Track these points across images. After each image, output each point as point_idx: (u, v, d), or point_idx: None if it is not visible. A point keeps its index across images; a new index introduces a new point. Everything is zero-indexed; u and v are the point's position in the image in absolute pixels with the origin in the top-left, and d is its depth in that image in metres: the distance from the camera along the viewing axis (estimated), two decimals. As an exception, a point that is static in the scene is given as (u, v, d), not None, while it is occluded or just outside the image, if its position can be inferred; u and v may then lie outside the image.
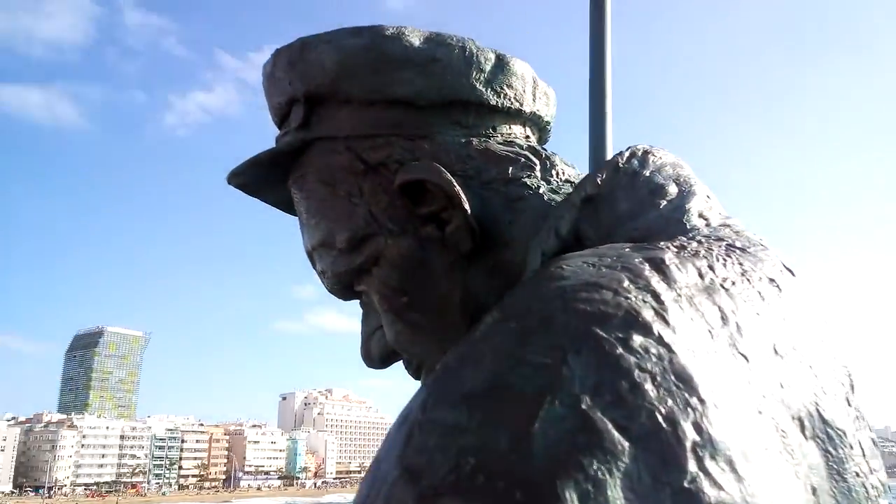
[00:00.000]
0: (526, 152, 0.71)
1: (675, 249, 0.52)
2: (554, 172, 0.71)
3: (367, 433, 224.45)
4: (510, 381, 0.39)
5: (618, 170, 0.66)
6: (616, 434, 0.37)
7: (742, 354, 0.45)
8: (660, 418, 0.38)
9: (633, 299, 0.44)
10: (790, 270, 0.58)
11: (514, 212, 0.68)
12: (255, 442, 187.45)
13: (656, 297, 0.45)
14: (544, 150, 0.73)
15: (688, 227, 0.61)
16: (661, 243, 0.53)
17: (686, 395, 0.40)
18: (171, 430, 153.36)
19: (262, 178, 0.75)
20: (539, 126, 0.79)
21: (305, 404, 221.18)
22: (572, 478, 0.35)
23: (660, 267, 0.48)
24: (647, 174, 0.66)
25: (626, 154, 0.68)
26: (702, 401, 0.40)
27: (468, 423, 0.38)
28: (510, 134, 0.73)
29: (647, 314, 0.43)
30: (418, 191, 0.68)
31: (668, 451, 0.37)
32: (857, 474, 0.47)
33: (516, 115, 0.74)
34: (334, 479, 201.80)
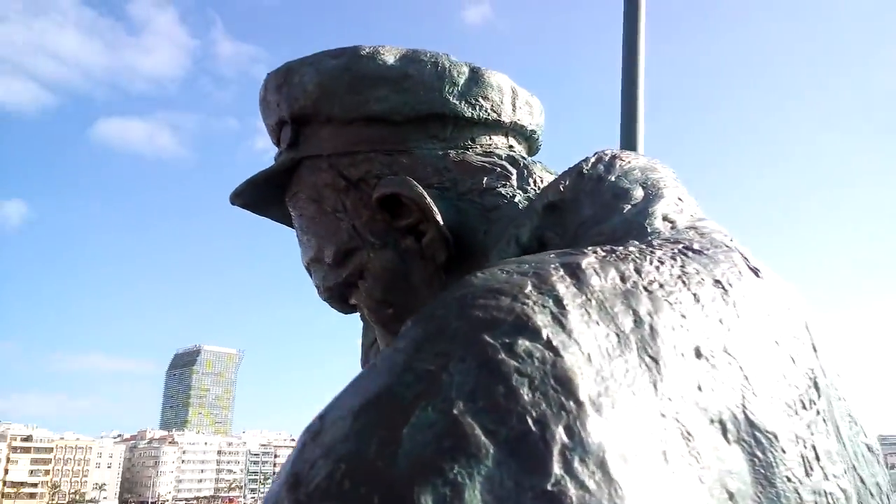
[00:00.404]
0: (503, 162, 0.72)
1: (602, 254, 0.51)
2: (531, 181, 0.72)
3: None
4: (395, 389, 0.40)
5: (582, 175, 0.67)
6: (483, 438, 0.36)
7: (651, 357, 0.43)
8: (530, 422, 0.37)
9: (529, 305, 0.44)
10: (754, 271, 0.57)
11: (489, 221, 0.70)
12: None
13: (558, 301, 0.44)
14: (524, 158, 0.74)
15: (649, 230, 0.60)
16: (588, 248, 0.52)
17: (563, 398, 0.38)
18: (264, 445, 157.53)
19: (261, 197, 0.79)
20: (524, 135, 0.79)
21: None
22: (430, 482, 0.35)
23: (574, 272, 0.48)
24: (613, 179, 0.66)
25: (592, 159, 0.69)
26: (580, 404, 0.39)
27: (350, 431, 0.38)
28: (490, 144, 0.74)
29: (541, 319, 0.42)
30: (396, 204, 0.70)
31: (535, 455, 0.36)
32: (789, 479, 0.45)
33: (496, 126, 0.75)
34: None
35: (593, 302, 0.45)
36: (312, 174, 0.75)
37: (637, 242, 0.55)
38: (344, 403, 0.41)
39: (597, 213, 0.63)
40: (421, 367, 0.41)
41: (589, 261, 0.49)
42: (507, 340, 0.41)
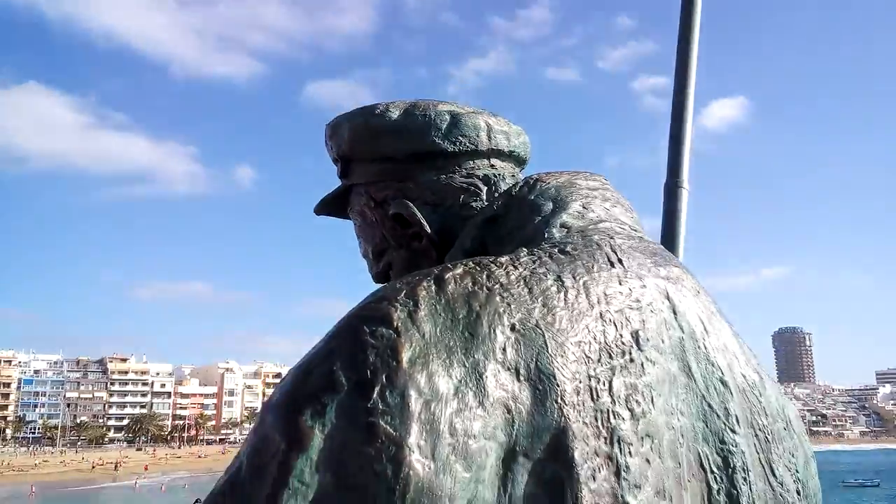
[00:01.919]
0: (478, 182, 0.99)
1: (469, 266, 0.72)
2: (496, 194, 0.98)
3: None
4: (311, 357, 0.64)
5: (511, 195, 0.92)
6: (343, 381, 0.59)
7: (470, 332, 0.64)
8: (368, 372, 0.59)
9: (395, 306, 0.64)
10: (612, 263, 0.78)
11: (463, 228, 0.95)
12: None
13: (416, 303, 0.65)
14: (494, 177, 0.99)
15: (546, 236, 0.83)
16: (463, 261, 0.74)
17: (390, 359, 0.60)
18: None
19: (333, 210, 1.10)
20: (503, 155, 1.02)
21: None
22: (313, 402, 0.59)
23: (439, 281, 0.68)
24: (532, 197, 0.90)
25: (521, 183, 0.94)
26: (399, 362, 0.60)
27: (289, 376, 0.64)
28: (472, 167, 0.99)
29: (398, 315, 0.63)
30: (403, 219, 0.98)
31: (366, 390, 0.58)
32: (564, 402, 0.64)
33: (475, 154, 0.99)
34: None
35: (443, 301, 0.66)
36: (357, 196, 1.05)
37: (525, 249, 0.77)
38: (300, 362, 0.65)
39: (517, 224, 0.87)
40: (326, 343, 0.64)
41: (454, 273, 0.70)
42: (372, 328, 0.62)
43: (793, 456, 0.81)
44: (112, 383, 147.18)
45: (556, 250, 0.77)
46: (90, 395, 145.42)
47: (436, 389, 0.58)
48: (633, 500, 0.63)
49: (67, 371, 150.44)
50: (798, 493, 0.79)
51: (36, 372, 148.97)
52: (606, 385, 0.66)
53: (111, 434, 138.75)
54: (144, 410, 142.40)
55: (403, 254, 1.00)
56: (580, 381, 0.65)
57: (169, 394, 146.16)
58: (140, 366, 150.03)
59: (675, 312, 0.77)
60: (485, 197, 0.97)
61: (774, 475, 0.77)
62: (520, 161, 1.05)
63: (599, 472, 0.62)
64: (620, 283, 0.75)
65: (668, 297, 0.78)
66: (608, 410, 0.65)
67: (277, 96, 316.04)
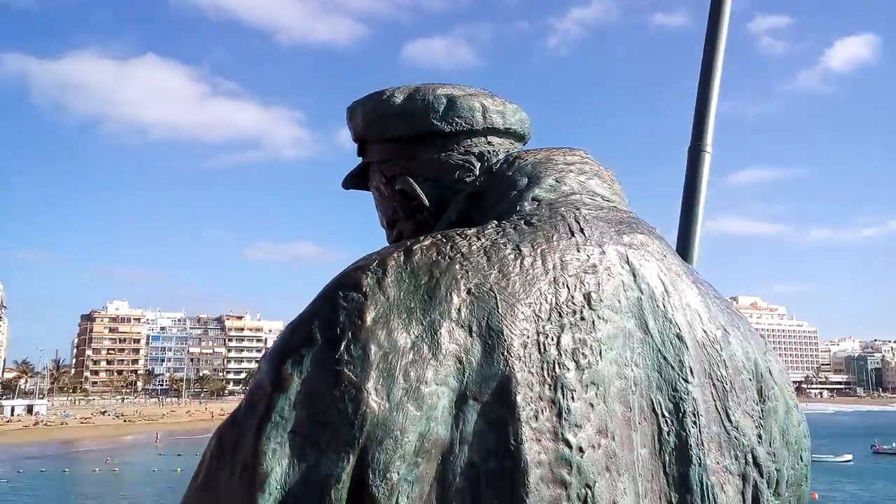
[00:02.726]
0: (473, 158, 1.05)
1: (436, 238, 0.82)
2: (481, 172, 1.06)
3: (781, 343, 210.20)
4: (300, 319, 0.77)
5: (492, 172, 1.02)
6: (318, 336, 0.72)
7: (429, 295, 0.75)
8: (338, 329, 0.72)
9: (367, 273, 0.76)
10: (572, 232, 0.86)
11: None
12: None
13: (384, 271, 0.76)
14: (489, 153, 1.06)
15: (518, 208, 0.92)
16: (431, 234, 0.84)
17: (356, 318, 0.72)
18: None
19: (358, 185, 1.19)
20: (500, 133, 1.08)
21: None
22: (295, 354, 0.72)
23: (407, 251, 0.79)
24: (510, 173, 0.99)
25: (501, 161, 1.03)
26: (363, 321, 0.72)
27: (284, 334, 0.77)
28: (469, 145, 1.06)
29: (367, 281, 0.75)
30: (408, 193, 1.07)
31: (334, 344, 0.71)
32: (510, 355, 0.74)
33: (471, 133, 1.06)
34: None
35: (408, 269, 0.77)
36: (372, 173, 1.14)
37: (494, 222, 0.87)
38: (291, 321, 0.78)
39: (496, 198, 0.96)
40: (311, 306, 0.76)
41: (422, 245, 0.80)
42: (345, 293, 0.74)
43: (757, 404, 0.88)
44: (230, 339, 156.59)
45: (522, 222, 0.86)
46: (210, 351, 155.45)
47: (394, 343, 0.70)
48: (573, 437, 0.72)
49: (190, 328, 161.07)
50: (759, 437, 0.86)
51: (162, 329, 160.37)
52: (554, 340, 0.75)
53: (230, 387, 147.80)
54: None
55: (410, 224, 1.07)
56: (528, 337, 0.74)
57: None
58: (254, 323, 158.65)
59: (634, 275, 0.85)
60: (478, 172, 1.03)
61: (730, 420, 0.84)
62: (518, 137, 1.10)
63: (542, 413, 0.71)
64: (578, 251, 0.83)
65: (628, 262, 0.85)
66: (554, 362, 0.74)
67: (378, 58, 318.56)
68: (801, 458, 0.95)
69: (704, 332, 0.88)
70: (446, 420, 0.69)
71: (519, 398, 0.71)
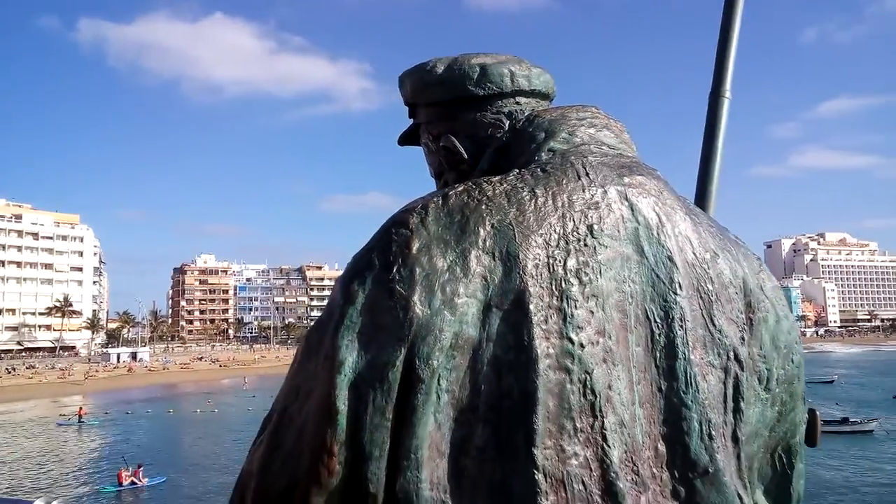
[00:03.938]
0: (503, 117, 1.20)
1: (468, 185, 1.00)
2: (509, 129, 1.20)
3: (871, 279, 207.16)
4: (364, 250, 0.96)
5: (515, 129, 1.17)
6: (376, 262, 0.92)
7: (461, 228, 0.93)
8: (391, 256, 0.91)
9: (413, 213, 0.95)
10: (580, 175, 1.02)
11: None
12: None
13: (426, 211, 0.95)
14: (517, 112, 1.20)
15: (535, 159, 1.07)
16: (464, 182, 1.02)
17: (404, 248, 0.91)
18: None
19: (411, 142, 1.35)
20: (527, 94, 1.22)
21: (794, 251, 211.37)
22: (358, 276, 0.92)
23: (444, 196, 0.97)
24: (531, 129, 1.14)
25: (523, 119, 1.18)
26: (409, 249, 0.91)
27: (352, 264, 0.96)
28: (500, 105, 1.20)
29: (412, 220, 0.94)
30: (450, 148, 1.22)
31: (388, 266, 0.91)
32: (524, 274, 0.92)
33: (501, 95, 1.20)
34: (839, 327, 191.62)
35: (445, 210, 0.94)
36: (422, 132, 1.29)
37: (516, 170, 1.03)
38: (357, 253, 0.97)
39: (518, 151, 1.11)
40: (371, 240, 0.96)
41: (457, 190, 0.98)
42: (396, 229, 0.93)
43: (742, 313, 1.04)
44: (311, 289, 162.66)
45: (538, 169, 1.02)
46: (294, 300, 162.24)
47: (434, 266, 0.89)
48: (575, 336, 0.90)
49: (273, 279, 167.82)
50: (742, 339, 1.02)
51: (248, 280, 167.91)
52: (562, 262, 0.93)
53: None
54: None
55: (454, 174, 1.22)
56: (539, 260, 0.92)
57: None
58: (333, 272, 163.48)
59: (632, 210, 1.01)
60: (507, 129, 1.18)
61: (714, 325, 1.00)
62: (543, 96, 1.24)
63: (551, 318, 0.90)
64: (584, 191, 1.00)
65: (626, 199, 1.01)
66: (561, 279, 0.92)
67: (443, 4, 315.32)
68: (792, 361, 1.09)
69: (694, 254, 1.02)
70: (475, 324, 0.88)
71: (532, 306, 0.89)
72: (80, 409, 53.40)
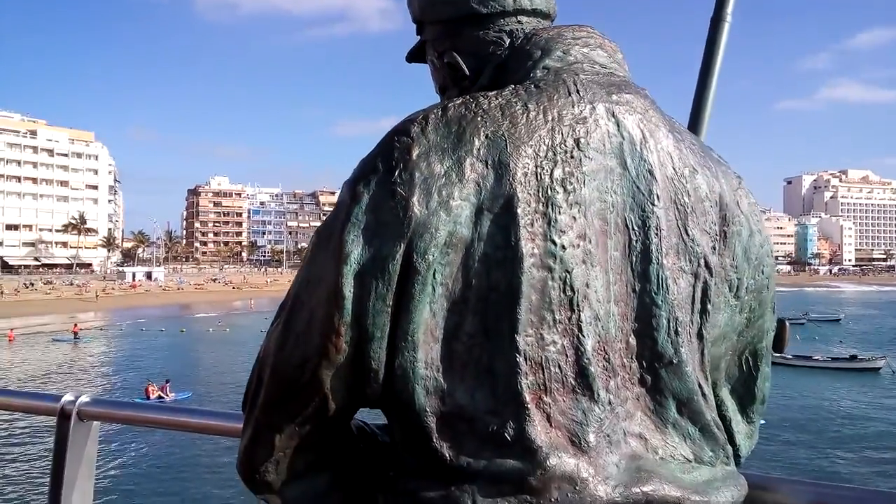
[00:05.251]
0: (504, 35, 1.20)
1: (465, 98, 1.03)
2: (515, 44, 1.21)
3: (891, 218, 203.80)
4: (370, 155, 1.01)
5: (514, 47, 1.17)
6: (380, 166, 0.97)
7: (457, 138, 0.97)
8: (392, 161, 0.96)
9: (414, 123, 0.99)
10: (570, 92, 1.05)
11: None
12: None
13: (426, 121, 0.99)
14: (518, 30, 1.20)
15: (531, 75, 1.10)
16: (461, 96, 1.05)
17: (405, 154, 0.96)
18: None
19: (418, 59, 1.36)
20: (528, 12, 1.22)
21: (815, 188, 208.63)
22: (364, 178, 0.97)
23: (443, 108, 1.01)
24: (528, 47, 1.15)
25: (521, 37, 1.18)
26: (410, 155, 0.95)
27: (359, 166, 1.00)
28: (502, 24, 1.20)
29: (413, 129, 0.98)
30: (454, 65, 1.24)
31: (389, 169, 0.96)
32: (514, 180, 0.96)
33: (503, 13, 1.20)
34: (853, 266, 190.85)
35: (444, 120, 0.99)
36: (428, 49, 1.30)
37: (512, 86, 1.06)
38: (362, 158, 1.02)
39: (516, 68, 1.14)
40: (376, 147, 1.01)
41: (455, 103, 1.01)
42: (398, 137, 0.98)
43: (716, 225, 1.10)
44: (324, 214, 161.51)
45: (532, 86, 1.05)
46: (307, 224, 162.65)
47: (432, 171, 0.94)
48: (558, 238, 0.96)
49: (286, 203, 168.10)
50: (713, 248, 1.09)
51: (261, 203, 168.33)
52: (549, 172, 0.97)
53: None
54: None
55: (456, 90, 1.25)
56: (528, 169, 0.97)
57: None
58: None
59: (618, 126, 1.05)
60: (507, 47, 1.20)
61: (688, 234, 1.06)
62: (544, 15, 1.25)
63: (536, 222, 0.95)
64: (573, 107, 1.04)
65: (613, 115, 1.05)
66: (547, 187, 0.97)
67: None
68: (762, 272, 1.17)
69: (674, 169, 1.08)
70: (468, 224, 0.94)
71: (519, 210, 0.94)
72: (75, 325, 55.29)
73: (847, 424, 27.64)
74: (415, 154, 0.96)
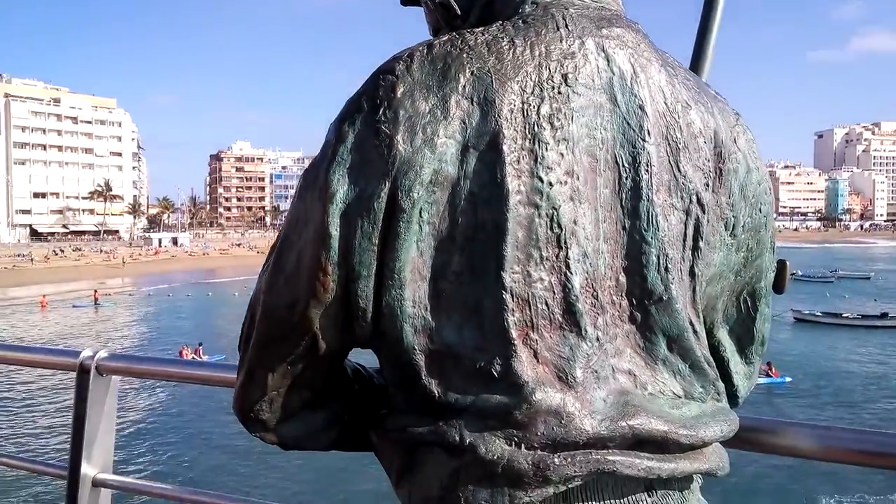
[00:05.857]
0: None
1: (451, 35, 1.00)
2: None
3: None
4: (356, 94, 0.97)
5: None
6: (364, 104, 0.93)
7: (442, 75, 0.94)
8: (376, 100, 0.93)
9: (399, 61, 0.96)
10: (558, 27, 1.02)
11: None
12: (789, 183, 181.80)
13: (411, 58, 0.95)
14: None
15: (520, 11, 1.06)
16: (448, 33, 1.01)
17: (390, 91, 0.93)
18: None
19: (412, 2, 1.32)
20: None
21: (847, 141, 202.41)
22: (350, 116, 0.94)
23: (429, 45, 0.98)
24: None
25: None
26: (395, 92, 0.93)
27: (345, 106, 0.97)
28: None
29: (398, 67, 0.95)
30: (445, 6, 1.20)
31: (375, 106, 0.93)
32: (509, 114, 0.94)
33: None
34: (885, 221, 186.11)
35: (429, 58, 0.95)
36: None
37: (499, 22, 1.03)
38: (349, 97, 0.97)
39: (505, 4, 1.11)
40: (362, 86, 0.97)
41: (441, 40, 0.98)
42: (383, 75, 0.94)
43: (710, 161, 1.08)
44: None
45: (520, 21, 1.02)
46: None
47: (416, 109, 0.92)
48: (545, 175, 0.94)
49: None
50: (706, 185, 1.06)
51: (283, 168, 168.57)
52: (535, 108, 0.95)
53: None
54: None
55: (448, 31, 1.21)
56: (515, 106, 0.94)
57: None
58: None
59: (608, 61, 1.02)
60: None
61: (679, 170, 1.04)
62: None
63: (523, 159, 0.93)
64: (561, 42, 1.00)
65: (603, 50, 1.02)
66: (534, 123, 0.94)
67: None
68: (760, 210, 1.15)
69: (665, 104, 1.05)
70: (454, 162, 0.92)
71: (505, 147, 0.92)
72: (95, 291, 56.27)
73: (876, 382, 27.29)
74: (399, 92, 0.95)
